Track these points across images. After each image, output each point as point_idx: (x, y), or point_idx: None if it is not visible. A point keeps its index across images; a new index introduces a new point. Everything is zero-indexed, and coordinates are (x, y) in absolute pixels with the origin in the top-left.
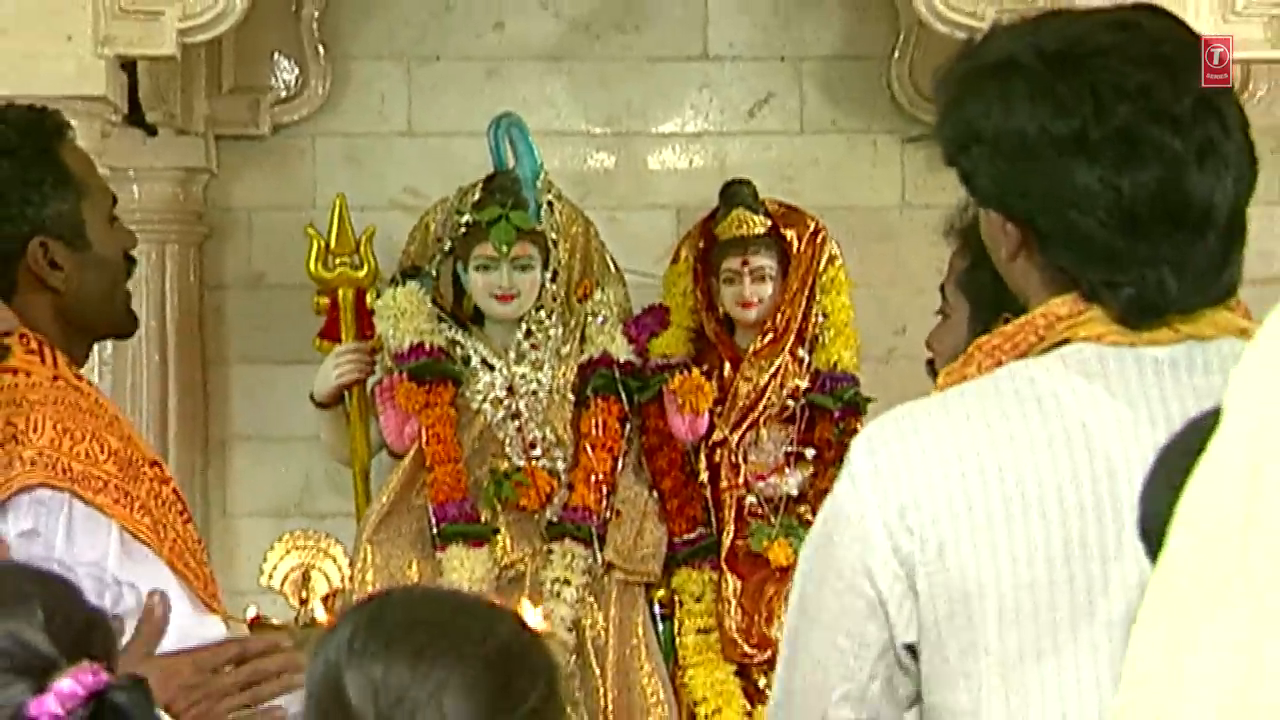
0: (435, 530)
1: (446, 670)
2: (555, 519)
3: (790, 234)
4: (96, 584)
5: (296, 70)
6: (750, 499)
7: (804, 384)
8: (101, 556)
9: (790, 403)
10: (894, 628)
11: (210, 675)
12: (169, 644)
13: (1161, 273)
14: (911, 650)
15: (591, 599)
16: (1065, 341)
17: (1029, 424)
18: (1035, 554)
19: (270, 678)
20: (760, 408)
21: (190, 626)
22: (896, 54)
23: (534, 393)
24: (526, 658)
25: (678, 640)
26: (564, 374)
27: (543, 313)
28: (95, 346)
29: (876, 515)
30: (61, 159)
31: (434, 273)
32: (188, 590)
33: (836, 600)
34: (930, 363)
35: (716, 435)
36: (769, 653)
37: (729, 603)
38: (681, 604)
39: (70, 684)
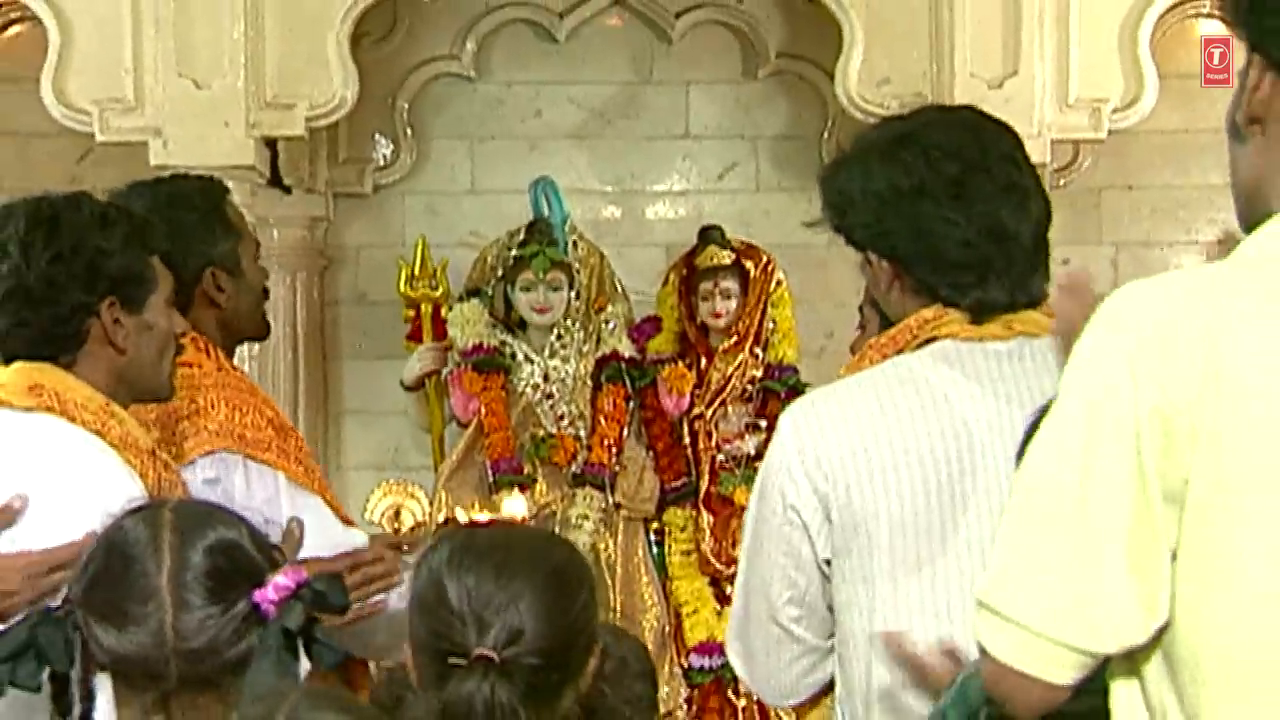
0: (491, 479)
1: (521, 582)
2: (578, 471)
3: (749, 264)
4: (262, 523)
5: (391, 146)
6: (720, 457)
7: (759, 374)
8: (272, 498)
9: (749, 387)
10: (816, 546)
11: None
12: (329, 550)
13: (989, 280)
14: (829, 564)
15: (604, 530)
16: (932, 339)
17: (908, 399)
18: (915, 491)
19: (376, 579)
20: (727, 390)
21: (340, 536)
22: (826, 134)
23: (563, 380)
24: (576, 573)
25: (667, 560)
26: (584, 366)
27: (569, 321)
28: (245, 347)
29: (799, 467)
30: (226, 213)
31: (490, 292)
32: (334, 513)
33: (776, 530)
34: None
35: (696, 410)
36: (733, 569)
37: (705, 532)
38: (670, 533)
39: (283, 579)
